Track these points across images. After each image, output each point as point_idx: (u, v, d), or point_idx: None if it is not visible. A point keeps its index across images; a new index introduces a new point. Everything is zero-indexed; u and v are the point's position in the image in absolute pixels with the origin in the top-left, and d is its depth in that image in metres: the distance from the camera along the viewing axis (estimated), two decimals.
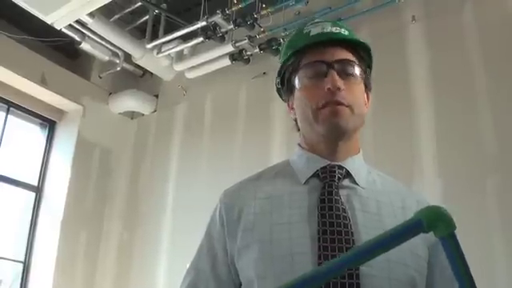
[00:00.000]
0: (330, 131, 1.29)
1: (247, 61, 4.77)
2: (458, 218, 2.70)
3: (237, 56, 4.73)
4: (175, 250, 4.66)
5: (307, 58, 1.33)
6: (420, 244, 1.21)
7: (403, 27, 3.94)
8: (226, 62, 4.80)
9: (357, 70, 1.32)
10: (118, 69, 5.39)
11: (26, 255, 4.91)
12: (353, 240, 1.16)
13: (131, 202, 5.33)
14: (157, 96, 5.65)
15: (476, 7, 3.65)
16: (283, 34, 4.43)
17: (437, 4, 3.83)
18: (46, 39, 5.00)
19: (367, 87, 1.39)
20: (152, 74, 5.60)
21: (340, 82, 1.26)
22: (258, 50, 4.57)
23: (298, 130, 1.42)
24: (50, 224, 4.93)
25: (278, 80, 1.46)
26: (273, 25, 4.47)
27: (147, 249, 4.93)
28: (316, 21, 1.43)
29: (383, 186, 1.34)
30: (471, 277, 0.84)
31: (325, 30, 1.33)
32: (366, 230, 1.18)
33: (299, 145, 1.42)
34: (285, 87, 1.43)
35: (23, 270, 4.85)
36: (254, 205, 1.30)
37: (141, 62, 5.24)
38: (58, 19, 4.13)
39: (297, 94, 1.36)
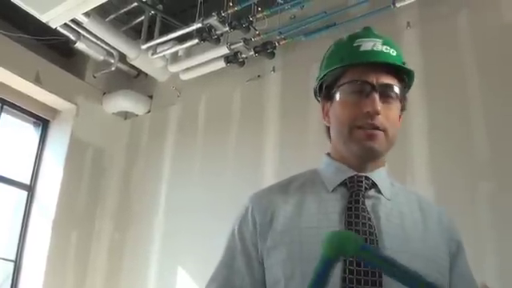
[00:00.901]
0: (364, 152, 1.34)
1: (242, 63, 4.77)
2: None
3: (232, 58, 4.73)
4: (167, 251, 4.67)
5: (353, 73, 1.35)
6: (441, 253, 1.29)
7: (398, 33, 3.96)
8: (221, 64, 4.80)
9: (397, 94, 1.36)
10: (113, 69, 5.38)
11: (17, 254, 4.89)
12: (377, 247, 1.20)
13: (123, 202, 5.33)
14: (151, 97, 5.65)
15: (470, 15, 3.67)
16: (278, 38, 4.45)
17: (432, 11, 3.84)
18: (41, 38, 4.99)
19: (403, 108, 1.43)
20: (146, 74, 5.60)
21: (380, 106, 1.29)
22: (252, 52, 4.58)
23: (330, 137, 1.47)
24: (42, 223, 4.92)
25: (319, 83, 1.47)
26: (268, 28, 4.49)
27: (138, 249, 4.93)
28: (366, 32, 1.43)
29: (405, 198, 1.39)
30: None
31: (375, 48, 1.35)
32: (389, 238, 1.23)
33: (328, 154, 1.46)
34: (323, 92, 1.46)
35: (14, 269, 4.84)
36: (284, 209, 1.34)
37: (135, 63, 5.24)
38: (54, 18, 4.13)
39: (335, 105, 1.39)
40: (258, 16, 4.41)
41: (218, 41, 4.71)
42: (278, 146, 4.20)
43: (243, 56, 4.70)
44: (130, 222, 5.15)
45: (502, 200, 3.12)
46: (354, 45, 1.38)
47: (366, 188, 1.33)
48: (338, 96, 1.38)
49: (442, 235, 1.32)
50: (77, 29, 4.79)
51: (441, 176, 3.41)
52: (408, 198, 1.40)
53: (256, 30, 4.54)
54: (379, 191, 1.34)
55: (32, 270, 4.79)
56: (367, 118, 1.29)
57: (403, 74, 1.40)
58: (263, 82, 4.58)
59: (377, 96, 1.30)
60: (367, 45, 1.36)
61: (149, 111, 5.61)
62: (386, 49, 1.36)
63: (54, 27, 4.35)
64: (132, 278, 4.86)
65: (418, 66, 3.77)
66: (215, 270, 1.40)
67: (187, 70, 5.11)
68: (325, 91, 1.44)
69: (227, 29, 4.56)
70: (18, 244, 4.93)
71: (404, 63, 1.38)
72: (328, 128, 1.46)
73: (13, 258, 4.87)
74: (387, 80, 1.34)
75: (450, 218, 1.40)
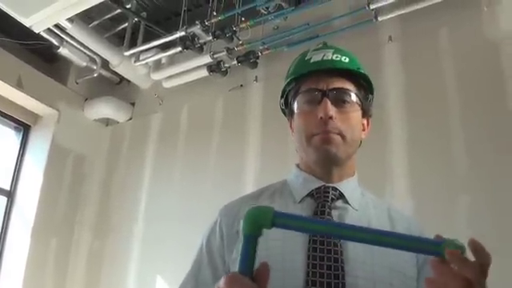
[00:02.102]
0: (322, 157, 1.35)
1: (225, 73, 4.79)
2: (428, 235, 2.75)
3: (214, 67, 4.74)
4: (146, 260, 4.65)
5: (306, 84, 1.40)
6: (409, 263, 1.28)
7: (380, 46, 4.00)
8: (204, 72, 4.81)
9: (353, 98, 1.38)
10: (95, 75, 5.36)
11: None
12: (342, 259, 1.20)
13: (103, 209, 5.30)
14: (133, 104, 5.63)
15: (452, 31, 3.71)
16: (261, 48, 4.47)
17: (414, 25, 3.88)
18: (23, 42, 4.97)
19: (366, 113, 1.46)
20: (129, 81, 5.58)
21: (332, 111, 1.32)
22: (235, 62, 4.59)
23: (296, 150, 1.49)
24: (21, 229, 4.88)
25: (282, 101, 1.53)
26: (251, 38, 4.51)
27: (118, 257, 4.90)
28: (319, 46, 1.48)
29: (375, 209, 1.40)
30: None
31: (325, 58, 1.40)
32: (354, 249, 1.23)
33: (297, 165, 1.48)
34: (287, 109, 1.50)
35: None
36: None
37: (118, 69, 5.23)
38: (37, 22, 4.12)
39: (295, 117, 1.43)
40: (242, 26, 4.43)
41: (201, 49, 4.72)
42: (260, 156, 4.21)
43: (226, 65, 4.72)
44: (109, 230, 5.12)
45: (481, 213, 3.15)
46: (306, 58, 1.44)
47: (332, 199, 1.34)
48: (295, 108, 1.42)
49: None
50: (60, 34, 4.77)
51: (420, 188, 3.44)
52: (378, 207, 1.41)
53: (239, 39, 4.56)
54: (347, 202, 1.35)
55: (10, 276, 4.75)
56: (322, 124, 1.32)
57: (360, 80, 1.44)
58: (246, 92, 4.60)
59: (328, 101, 1.33)
60: (317, 56, 1.41)
61: (130, 118, 5.59)
62: (337, 57, 1.40)
63: (37, 32, 4.34)
64: (111, 287, 4.84)
65: (399, 80, 3.82)
66: (182, 281, 1.41)
67: (170, 77, 5.11)
68: (289, 108, 1.49)
69: (210, 38, 4.57)
70: None
71: (358, 68, 1.42)
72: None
73: None
74: (339, 85, 1.37)
75: (420, 228, 1.41)
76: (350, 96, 1.38)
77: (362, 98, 1.43)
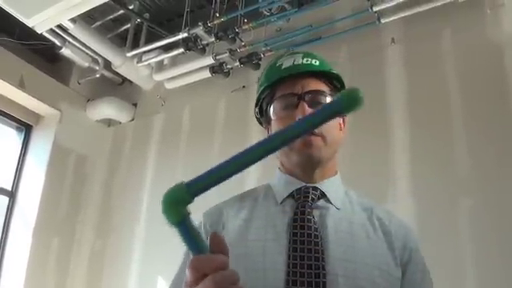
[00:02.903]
0: (304, 161, 1.36)
1: (227, 74, 4.80)
2: (430, 237, 2.75)
3: (217, 69, 4.75)
4: (147, 260, 4.65)
5: (280, 90, 1.40)
6: (392, 263, 1.27)
7: (382, 49, 4.00)
8: (206, 74, 4.82)
9: (328, 99, 1.38)
10: (98, 75, 5.37)
11: None
12: (322, 257, 1.20)
13: (104, 210, 5.31)
14: (135, 105, 5.64)
15: (455, 34, 3.72)
16: (264, 49, 4.48)
17: (416, 28, 3.89)
18: (26, 42, 4.98)
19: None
20: (131, 82, 5.58)
21: (310, 112, 1.29)
22: (238, 63, 4.60)
23: (277, 156, 1.48)
24: (23, 229, 4.88)
25: (257, 110, 1.53)
26: (254, 40, 4.51)
27: (119, 258, 4.90)
28: (289, 53, 1.49)
29: (358, 207, 1.39)
30: None
31: (295, 63, 1.41)
32: (336, 248, 1.23)
33: (279, 168, 1.48)
34: (263, 117, 1.50)
35: None
36: (233, 222, 1.35)
37: (120, 70, 5.23)
38: (40, 23, 4.12)
39: (272, 123, 1.43)
40: (244, 27, 4.43)
41: (203, 51, 4.73)
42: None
43: (228, 66, 4.73)
44: (111, 230, 5.13)
45: (483, 215, 3.16)
46: (277, 65, 1.44)
47: (313, 198, 1.34)
48: (272, 115, 1.42)
49: (394, 244, 1.30)
50: (62, 34, 4.77)
51: (422, 191, 3.44)
52: (362, 206, 1.40)
53: (242, 41, 4.57)
54: (329, 201, 1.35)
55: (12, 275, 4.75)
56: None
57: (333, 81, 1.44)
58: (248, 93, 4.60)
59: (305, 103, 1.34)
60: (288, 62, 1.42)
61: (132, 119, 5.59)
62: (307, 60, 1.41)
63: (39, 32, 4.34)
64: (112, 286, 4.84)
65: (402, 82, 3.82)
66: (170, 285, 1.41)
67: (172, 78, 5.11)
68: (265, 117, 1.49)
69: (213, 39, 4.58)
70: None
71: (330, 69, 1.43)
72: None
73: None
74: (314, 87, 1.38)
75: (405, 227, 1.39)
76: (326, 97, 1.38)
77: None
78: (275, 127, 1.41)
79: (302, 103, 1.34)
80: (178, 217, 0.84)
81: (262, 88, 1.46)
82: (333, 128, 1.38)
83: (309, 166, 1.37)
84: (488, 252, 3.07)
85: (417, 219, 3.33)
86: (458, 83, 3.56)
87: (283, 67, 1.42)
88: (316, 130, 1.31)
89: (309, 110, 1.32)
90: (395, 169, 3.61)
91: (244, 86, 4.69)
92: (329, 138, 1.34)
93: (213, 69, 4.77)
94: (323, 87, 1.40)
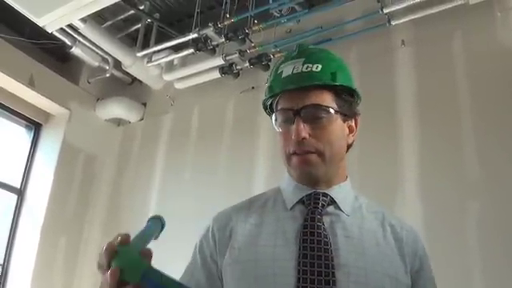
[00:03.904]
0: (303, 178, 1.35)
1: (237, 75, 4.80)
2: (438, 241, 2.74)
3: (226, 69, 4.75)
4: (155, 260, 4.62)
5: (281, 101, 1.37)
6: (402, 269, 1.27)
7: (392, 50, 3.99)
8: (216, 74, 4.83)
9: (328, 111, 1.32)
10: (108, 75, 5.38)
11: (5, 258, 4.87)
12: (332, 264, 1.19)
13: (113, 209, 5.32)
14: (144, 104, 5.65)
15: (465, 36, 3.70)
16: (273, 50, 4.48)
17: (427, 30, 3.87)
18: (36, 41, 5.00)
19: (350, 116, 1.40)
20: (141, 82, 5.60)
21: (305, 131, 1.29)
22: (247, 64, 4.61)
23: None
24: (31, 227, 4.90)
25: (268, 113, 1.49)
26: (264, 41, 4.51)
27: None
28: (292, 54, 1.42)
29: (368, 213, 1.38)
30: None
31: (295, 71, 1.34)
32: (345, 254, 1.22)
33: (288, 172, 1.44)
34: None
35: (1, 272, 4.82)
36: (243, 227, 1.35)
37: (130, 70, 5.25)
38: (50, 22, 4.13)
39: (277, 134, 1.40)
40: (254, 28, 4.42)
41: (213, 51, 4.73)
42: (270, 158, 4.20)
43: (238, 67, 4.73)
44: (119, 230, 5.08)
45: (491, 219, 3.14)
46: (278, 72, 1.39)
47: (323, 205, 1.32)
48: (275, 126, 1.40)
49: (405, 251, 1.30)
50: (73, 34, 4.79)
51: (431, 194, 3.43)
52: (372, 213, 1.39)
53: (252, 42, 4.56)
54: (339, 207, 1.34)
55: (19, 274, 4.77)
56: (296, 145, 1.30)
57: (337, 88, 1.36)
58: (257, 94, 4.59)
59: (300, 121, 1.29)
60: (287, 70, 1.36)
61: (142, 119, 5.60)
62: (308, 67, 1.34)
63: (50, 31, 4.36)
64: None
65: (411, 84, 3.81)
66: None
67: (182, 79, 5.12)
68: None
69: (223, 40, 4.58)
70: (7, 247, 4.91)
71: (333, 73, 1.34)
72: None
73: (0, 261, 4.84)
74: (313, 99, 1.31)
75: (415, 234, 1.38)
76: (326, 110, 1.32)
77: (342, 103, 1.36)
78: (278, 139, 1.39)
79: (297, 120, 1.30)
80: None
81: (266, 97, 1.44)
82: (333, 142, 1.33)
83: (308, 182, 1.36)
84: (496, 255, 3.05)
85: (425, 222, 3.32)
86: (468, 85, 3.55)
87: (283, 76, 1.36)
88: (311, 149, 1.29)
89: (304, 129, 1.28)
90: (404, 171, 3.59)
91: (253, 87, 4.69)
92: (327, 153, 1.31)
93: (222, 69, 4.78)
94: (325, 95, 1.33)
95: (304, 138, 1.28)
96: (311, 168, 1.31)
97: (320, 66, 1.34)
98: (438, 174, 3.46)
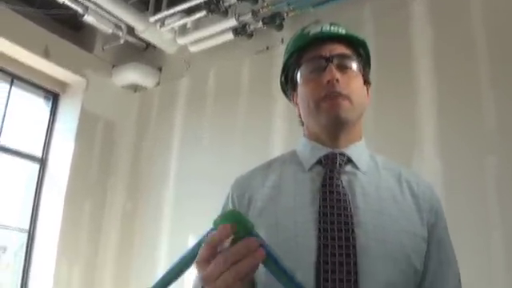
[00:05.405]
0: (332, 122, 1.36)
1: (250, 35, 4.78)
2: (456, 197, 2.75)
3: (240, 30, 4.73)
4: (177, 219, 4.74)
5: (308, 55, 1.42)
6: (418, 224, 1.29)
7: (407, 4, 3.94)
8: (229, 36, 4.81)
9: (354, 64, 1.40)
10: (122, 42, 5.37)
11: (30, 225, 4.98)
12: (352, 222, 1.23)
13: (134, 173, 5.39)
14: (160, 69, 5.66)
15: None
16: (286, 9, 4.44)
17: None
18: (48, 11, 4.99)
19: (366, 81, 1.46)
20: (155, 47, 5.59)
21: (338, 75, 1.34)
22: (261, 24, 4.58)
23: (302, 124, 1.51)
24: (54, 195, 5.00)
25: (282, 78, 1.55)
26: (276, 0, 4.46)
27: (150, 217, 5.01)
28: (315, 22, 1.50)
29: (385, 171, 1.41)
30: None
31: (323, 30, 1.43)
32: (364, 213, 1.25)
33: (304, 135, 1.49)
34: (288, 84, 1.53)
35: (28, 238, 4.93)
36: (262, 192, 1.37)
37: (144, 35, 5.24)
38: None
39: (299, 88, 1.44)
40: None
41: (225, 13, 4.71)
42: (287, 118, 4.21)
43: (251, 28, 4.70)
44: (140, 192, 5.21)
45: (510, 174, 3.14)
46: (304, 32, 1.46)
47: (340, 164, 1.36)
48: (299, 79, 1.43)
49: (422, 207, 1.33)
50: (84, 2, 4.77)
51: (449, 150, 3.43)
52: (388, 170, 1.42)
53: (264, 1, 4.53)
54: (355, 166, 1.37)
55: (45, 239, 4.89)
56: (329, 88, 1.34)
57: (359, 48, 1.46)
58: (272, 54, 4.58)
59: (333, 66, 1.35)
60: (315, 29, 1.44)
61: (158, 84, 5.62)
62: (334, 28, 1.43)
63: (61, 1, 4.35)
64: (144, 245, 4.95)
65: (427, 38, 3.77)
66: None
67: (196, 42, 5.11)
68: (290, 84, 1.51)
69: (235, 0, 4.55)
70: (32, 215, 5.02)
71: (357, 37, 1.45)
72: (300, 116, 1.50)
73: (27, 227, 4.96)
74: (341, 51, 1.40)
75: (431, 189, 1.41)
76: (352, 62, 1.40)
77: (362, 65, 1.45)
78: (302, 91, 1.42)
79: (330, 66, 1.35)
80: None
81: (289, 53, 1.48)
82: (359, 91, 1.40)
83: (336, 128, 1.38)
84: None
85: (444, 179, 3.33)
86: (486, 37, 3.50)
87: (311, 33, 1.43)
88: (342, 91, 1.33)
89: (337, 73, 1.34)
90: (422, 128, 3.59)
91: (268, 48, 4.68)
92: (354, 99, 1.35)
93: (236, 31, 4.76)
94: (349, 52, 1.41)
95: (337, 80, 1.33)
96: (342, 111, 1.33)
97: (344, 30, 1.45)
98: (455, 130, 3.45)
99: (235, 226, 0.88)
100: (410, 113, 3.67)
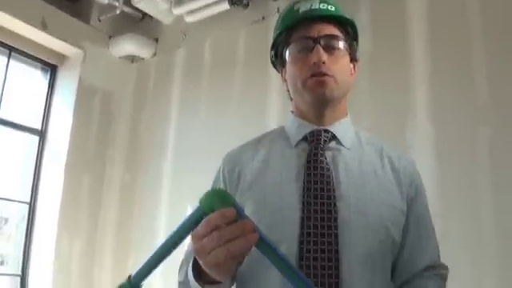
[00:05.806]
0: (317, 99, 1.42)
1: (246, 5, 4.78)
2: (449, 165, 2.82)
3: (236, 0, 4.72)
4: (175, 190, 4.80)
5: (297, 33, 1.46)
6: (398, 197, 1.37)
7: None
8: (225, 6, 4.80)
9: (341, 44, 1.44)
10: (118, 12, 5.35)
11: (31, 197, 5.03)
12: (334, 196, 1.30)
13: (132, 145, 5.44)
14: (156, 40, 5.66)
15: None
16: None
17: None
18: None
19: (353, 59, 1.51)
20: (151, 17, 5.57)
21: (324, 56, 1.39)
22: None
23: (291, 99, 1.56)
24: (54, 167, 5.05)
25: (272, 53, 1.60)
26: None
27: (149, 189, 5.07)
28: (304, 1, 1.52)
29: (367, 146, 1.47)
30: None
31: (313, 7, 1.46)
32: (347, 187, 1.32)
33: (292, 112, 1.55)
34: (278, 60, 1.57)
35: (29, 210, 4.98)
36: (251, 166, 1.44)
37: (140, 5, 5.21)
38: None
39: (288, 66, 1.49)
40: None
41: None
42: (283, 89, 4.22)
43: None
44: (139, 164, 5.26)
45: (502, 143, 3.19)
46: (294, 9, 1.50)
47: (325, 141, 1.42)
48: (288, 58, 1.48)
49: (402, 181, 1.40)
50: None
51: (442, 118, 3.47)
52: (371, 145, 1.48)
53: None
54: (340, 142, 1.43)
55: (46, 211, 4.95)
56: (315, 68, 1.38)
57: (347, 27, 1.50)
58: (268, 24, 4.57)
59: (320, 47, 1.40)
60: (305, 6, 1.47)
61: (154, 54, 5.62)
62: (323, 5, 1.46)
63: None
64: (143, 216, 5.01)
65: (421, 4, 3.77)
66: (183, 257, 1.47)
67: (192, 12, 5.09)
68: (280, 60, 1.55)
69: None
70: (32, 187, 5.07)
71: (345, 16, 1.48)
72: (288, 91, 1.56)
73: (27, 200, 5.01)
74: (329, 31, 1.43)
75: (412, 164, 1.49)
76: (339, 42, 1.44)
77: (349, 44, 1.49)
78: (290, 69, 1.48)
79: (317, 46, 1.40)
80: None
81: (278, 31, 1.52)
82: (344, 70, 1.45)
83: (321, 105, 1.44)
84: (506, 179, 3.12)
85: (436, 145, 3.38)
86: (480, 9, 3.51)
87: (300, 11, 1.47)
88: (328, 72, 1.38)
89: (324, 54, 1.39)
90: (415, 96, 3.62)
91: (263, 18, 4.68)
92: (339, 78, 1.41)
93: (231, 0, 4.75)
94: (337, 32, 1.45)
95: (324, 62, 1.38)
96: (327, 90, 1.39)
97: (334, 8, 1.48)
98: (448, 98, 3.48)
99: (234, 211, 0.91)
100: (404, 79, 3.70)
